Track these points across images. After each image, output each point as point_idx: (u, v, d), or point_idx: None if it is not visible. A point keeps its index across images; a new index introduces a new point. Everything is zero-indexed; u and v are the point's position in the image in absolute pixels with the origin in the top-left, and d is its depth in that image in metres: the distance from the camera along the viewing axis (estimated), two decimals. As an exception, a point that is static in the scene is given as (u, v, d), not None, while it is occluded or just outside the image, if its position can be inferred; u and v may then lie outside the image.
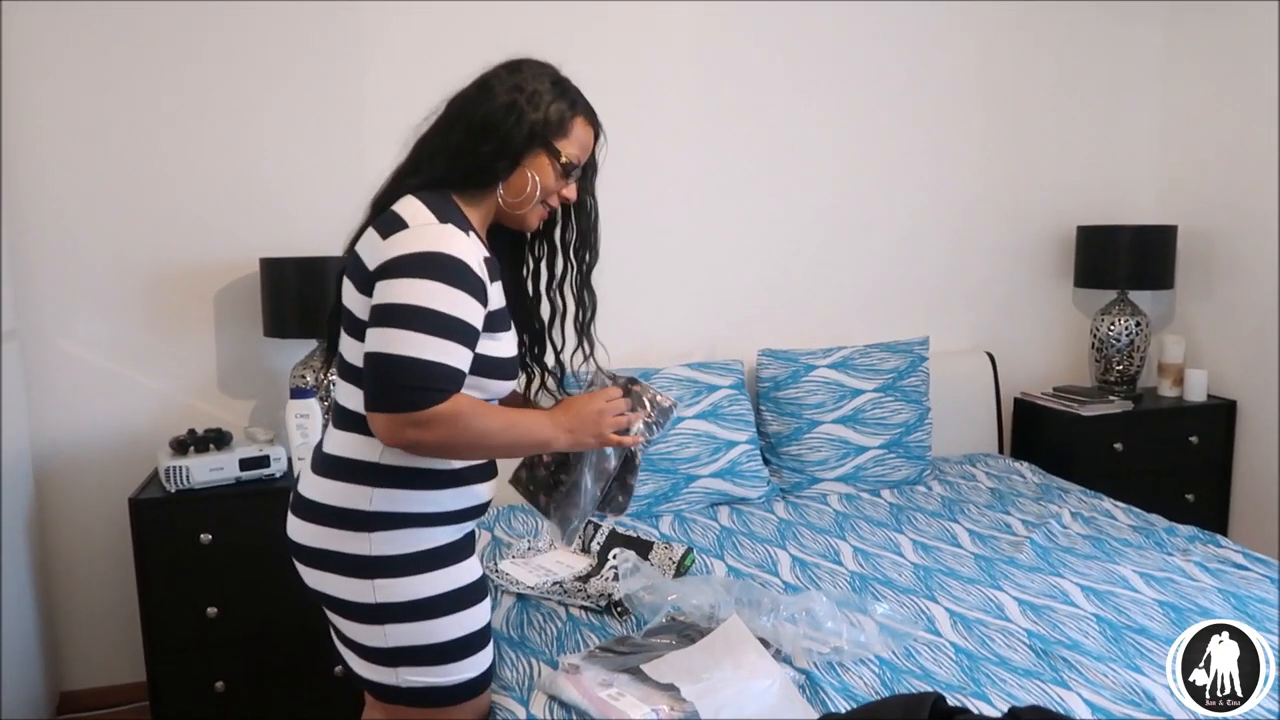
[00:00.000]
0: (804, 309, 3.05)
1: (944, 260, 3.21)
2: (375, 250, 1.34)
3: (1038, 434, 3.20)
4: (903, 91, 3.07)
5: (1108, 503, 2.60)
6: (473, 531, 1.56)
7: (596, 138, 1.54)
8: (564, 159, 1.46)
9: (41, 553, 2.50)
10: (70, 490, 2.53)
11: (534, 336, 1.68)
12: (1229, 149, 3.14)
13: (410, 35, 2.56)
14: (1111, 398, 3.12)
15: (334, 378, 1.52)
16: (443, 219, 1.35)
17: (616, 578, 2.04)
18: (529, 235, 1.62)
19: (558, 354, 1.69)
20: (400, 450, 1.33)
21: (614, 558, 2.16)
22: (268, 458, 2.40)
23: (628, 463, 1.61)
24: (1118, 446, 3.03)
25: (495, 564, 2.15)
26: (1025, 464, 2.97)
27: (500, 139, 1.42)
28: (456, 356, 1.29)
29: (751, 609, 1.76)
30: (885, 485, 2.76)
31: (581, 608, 1.98)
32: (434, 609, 1.43)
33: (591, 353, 1.63)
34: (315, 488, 1.43)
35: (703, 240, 2.94)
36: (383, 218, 1.38)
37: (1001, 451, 3.22)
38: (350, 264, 1.41)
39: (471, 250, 1.34)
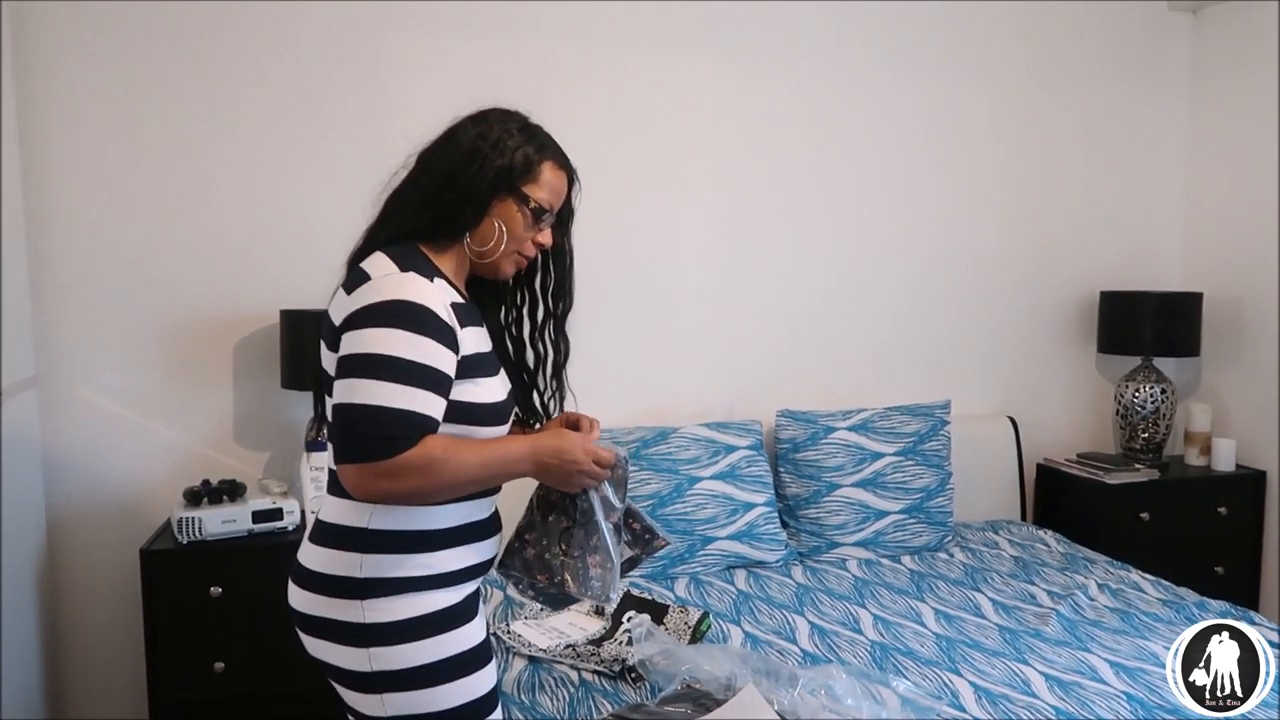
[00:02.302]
0: (823, 370, 3.02)
1: (966, 323, 3.19)
2: (341, 307, 1.34)
3: (1061, 501, 3.14)
4: (926, 153, 3.08)
5: (1135, 574, 2.53)
6: (477, 591, 1.49)
7: (571, 183, 1.51)
8: (533, 204, 1.44)
9: (51, 600, 2.48)
10: (83, 537, 2.51)
11: (522, 384, 1.65)
12: (1255, 215, 3.12)
13: (433, 89, 2.60)
14: (1137, 466, 3.07)
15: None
16: (404, 268, 1.34)
17: (630, 642, 1.99)
18: (510, 282, 1.59)
19: (542, 399, 1.65)
20: (378, 505, 1.31)
21: (628, 621, 2.11)
22: (280, 510, 2.38)
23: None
24: (1144, 516, 2.96)
25: (507, 624, 2.11)
26: (1049, 532, 2.91)
27: (463, 186, 1.41)
28: (424, 402, 1.27)
29: (769, 680, 1.71)
30: (906, 551, 2.71)
31: (595, 672, 1.93)
32: (433, 676, 1.38)
33: (563, 400, 1.61)
34: (310, 555, 1.41)
35: (721, 299, 2.93)
36: (350, 277, 1.37)
37: (1024, 518, 3.16)
38: (325, 328, 1.39)
39: (436, 295, 1.33)
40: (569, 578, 1.47)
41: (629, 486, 1.55)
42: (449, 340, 1.32)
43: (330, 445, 1.37)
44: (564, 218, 1.54)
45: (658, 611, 2.14)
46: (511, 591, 2.37)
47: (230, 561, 2.31)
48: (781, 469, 2.77)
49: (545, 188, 1.45)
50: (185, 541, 2.29)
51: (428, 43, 2.63)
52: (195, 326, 2.54)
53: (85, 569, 2.52)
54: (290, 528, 2.38)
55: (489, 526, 1.48)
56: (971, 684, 1.87)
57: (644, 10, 2.78)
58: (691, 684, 1.77)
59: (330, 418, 1.28)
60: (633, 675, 1.88)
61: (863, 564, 2.63)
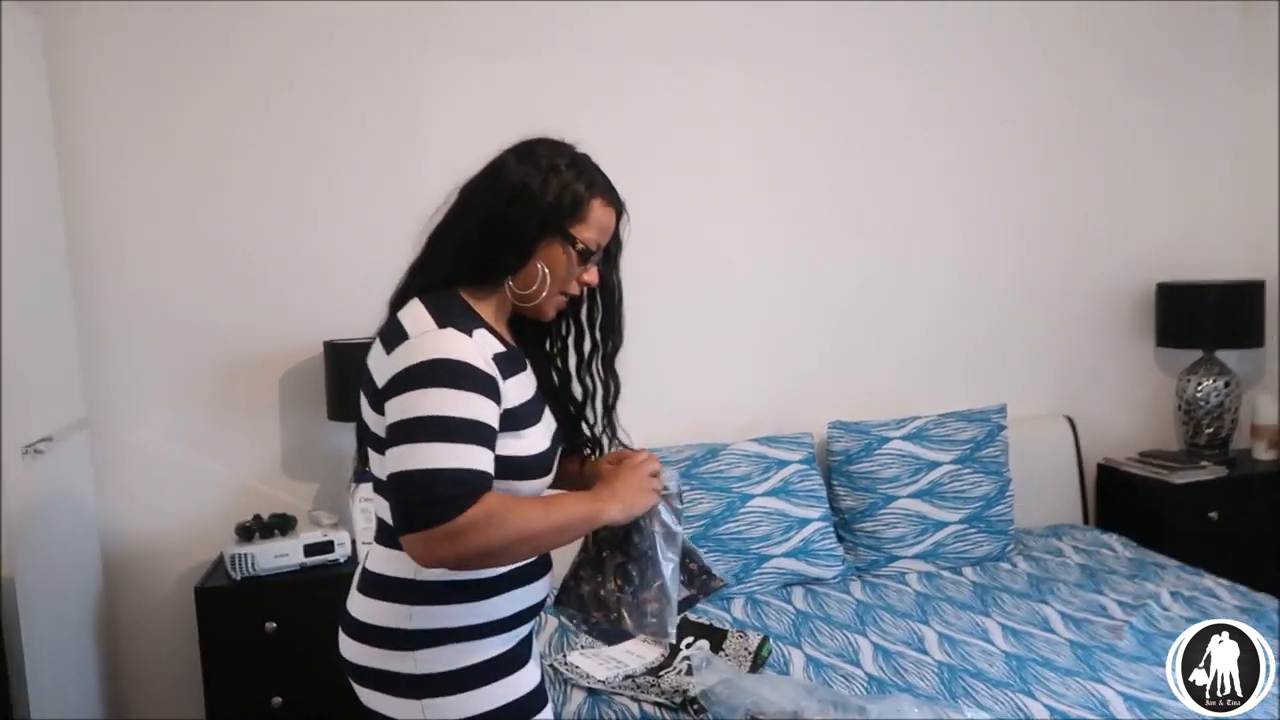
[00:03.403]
0: (871, 377, 2.95)
1: (1018, 322, 3.10)
2: (381, 366, 1.30)
3: (1125, 502, 3.04)
4: (976, 148, 3.00)
5: (1209, 579, 2.44)
6: (529, 636, 1.47)
7: (619, 216, 1.45)
8: (580, 245, 1.38)
9: (109, 639, 2.49)
10: (138, 576, 2.52)
11: (569, 416, 1.59)
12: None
13: (472, 112, 2.57)
14: (1204, 463, 2.96)
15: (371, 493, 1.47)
16: (442, 323, 1.29)
17: (689, 671, 1.95)
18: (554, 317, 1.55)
19: (592, 431, 1.60)
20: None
21: (686, 648, 2.07)
22: (332, 543, 2.37)
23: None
24: (1213, 515, 2.86)
25: (564, 655, 2.08)
26: (1114, 536, 2.82)
27: (507, 230, 1.35)
28: (476, 459, 1.22)
29: (837, 711, 1.66)
30: (967, 562, 2.63)
31: (656, 704, 1.89)
32: None
33: (614, 437, 1.56)
34: (359, 606, 1.39)
35: (764, 309, 2.88)
36: (387, 327, 1.34)
37: (1086, 521, 3.07)
38: (364, 379, 1.36)
39: (474, 351, 1.28)
40: (625, 614, 1.43)
41: (684, 517, 1.51)
42: (492, 392, 1.28)
43: (387, 502, 1.33)
44: (612, 252, 1.48)
45: (716, 637, 2.10)
46: (567, 620, 2.33)
47: (284, 596, 2.31)
48: (835, 482, 2.71)
49: (593, 226, 1.40)
50: (239, 578, 2.29)
51: (465, 66, 2.60)
52: (240, 361, 2.54)
53: (141, 608, 2.53)
54: (342, 559, 2.38)
55: (538, 568, 1.44)
56: (1047, 707, 1.80)
57: (678, 18, 2.73)
58: (756, 715, 1.72)
59: (389, 490, 1.24)
60: (695, 707, 1.84)
61: (923, 577, 2.56)
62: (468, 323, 1.32)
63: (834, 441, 2.72)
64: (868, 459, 2.66)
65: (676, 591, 1.44)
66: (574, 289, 1.43)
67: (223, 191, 2.50)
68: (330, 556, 2.37)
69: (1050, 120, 3.08)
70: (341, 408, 2.41)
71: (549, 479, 1.44)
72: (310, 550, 2.35)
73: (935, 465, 2.67)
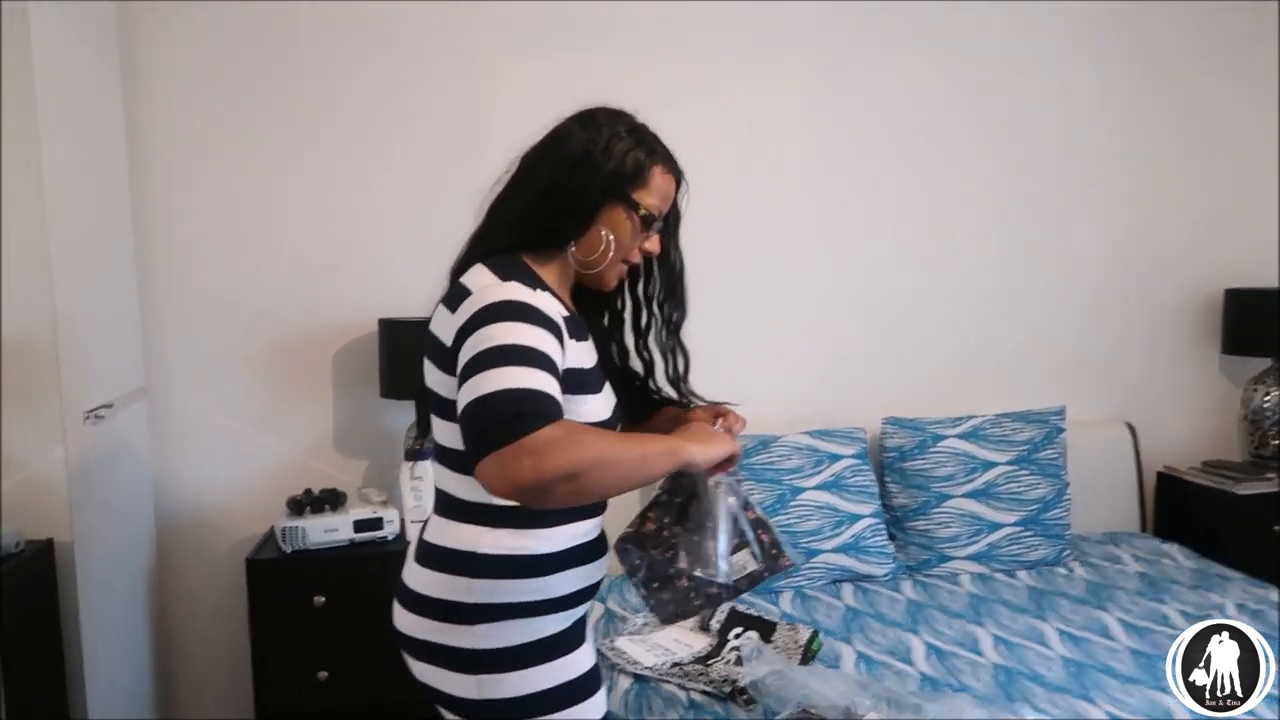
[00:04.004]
0: (928, 374, 2.90)
1: (1079, 324, 3.02)
2: (447, 325, 1.28)
3: (1185, 512, 2.96)
4: (1037, 147, 2.94)
5: (1275, 593, 2.35)
6: (584, 617, 1.45)
7: (679, 185, 1.44)
8: (643, 211, 1.37)
9: (160, 607, 2.52)
10: (190, 546, 2.55)
11: (632, 395, 1.57)
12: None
13: (531, 93, 2.56)
14: (1269, 475, 2.87)
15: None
16: (506, 277, 1.28)
17: (739, 661, 1.93)
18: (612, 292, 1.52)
19: (663, 398, 1.58)
20: (499, 525, 1.24)
21: (734, 638, 2.05)
22: (381, 520, 2.38)
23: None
24: (1278, 529, 2.77)
25: (612, 640, 2.06)
26: (1174, 545, 2.73)
27: (569, 195, 1.34)
28: (548, 384, 1.17)
29: (891, 709, 1.62)
30: (1021, 565, 2.57)
31: (704, 693, 1.86)
32: (544, 705, 1.32)
33: (689, 404, 1.53)
34: (417, 577, 1.37)
35: (819, 300, 2.84)
36: (451, 292, 1.32)
37: (1144, 530, 2.98)
38: (429, 345, 1.34)
39: (538, 300, 1.26)
40: (683, 551, 1.38)
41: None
42: (557, 334, 1.25)
43: (452, 472, 1.32)
44: (670, 222, 1.46)
45: (765, 629, 2.07)
46: (613, 604, 2.32)
47: (333, 571, 2.32)
48: (888, 479, 2.66)
49: (655, 193, 1.38)
50: (289, 550, 2.31)
51: (528, 50, 2.60)
52: (297, 336, 2.56)
53: (193, 576, 2.56)
54: (390, 537, 2.38)
55: (597, 548, 1.43)
56: (1108, 714, 1.75)
57: (740, 7, 2.70)
58: (808, 709, 1.69)
59: (462, 430, 1.18)
60: (744, 697, 1.81)
61: (976, 579, 2.51)
62: (531, 282, 1.31)
63: (887, 437, 2.67)
64: (922, 456, 2.61)
65: (729, 546, 1.37)
66: (635, 257, 1.41)
67: (283, 167, 2.52)
68: (379, 534, 2.38)
69: (1121, 120, 3.00)
70: (395, 386, 2.41)
71: None
72: (360, 526, 2.36)
73: (991, 465, 2.61)
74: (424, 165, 2.57)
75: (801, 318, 2.83)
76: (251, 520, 2.55)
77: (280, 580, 2.31)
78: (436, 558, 1.35)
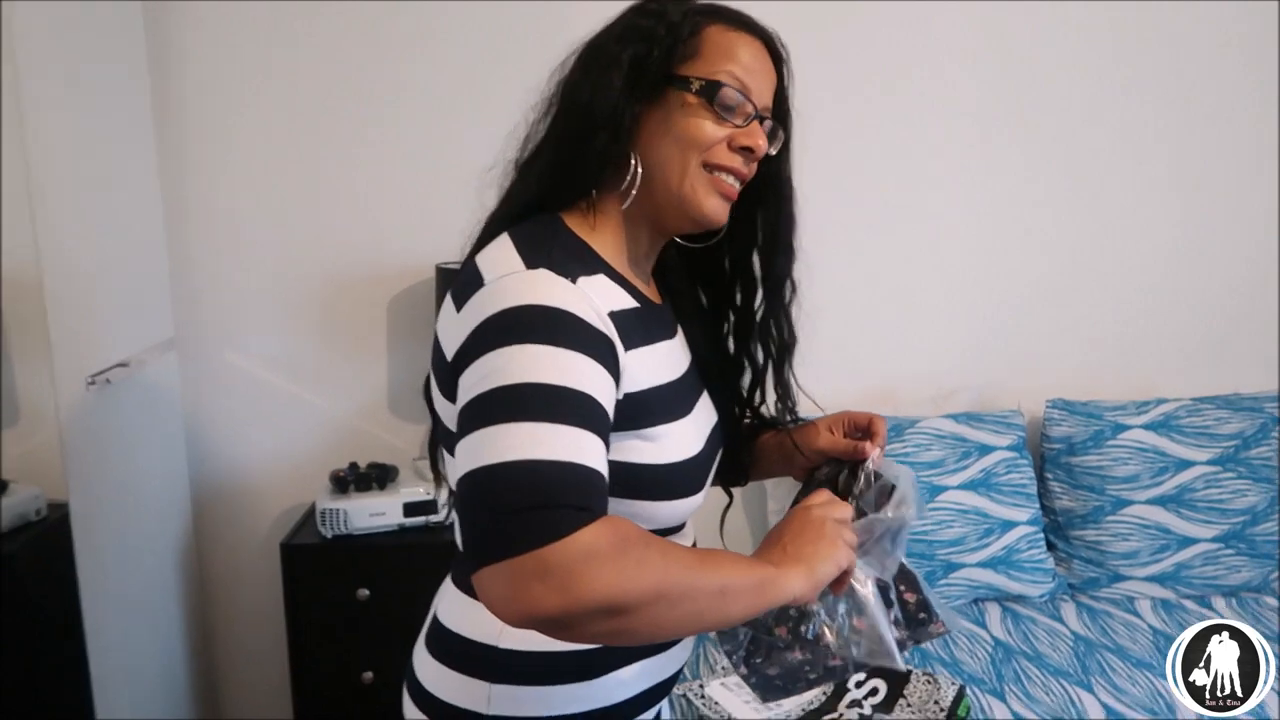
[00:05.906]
0: (1108, 346, 2.33)
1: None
2: (451, 330, 0.85)
3: None
4: (1224, 121, 2.29)
5: None
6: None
7: (776, 60, 0.97)
8: (695, 84, 0.91)
9: (198, 587, 2.26)
10: (229, 517, 2.27)
11: (742, 404, 1.13)
12: None
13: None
14: None
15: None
16: (532, 261, 0.85)
17: (861, 723, 1.52)
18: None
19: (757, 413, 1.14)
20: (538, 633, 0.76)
21: (856, 687, 1.63)
22: (434, 502, 2.05)
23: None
24: None
25: (701, 685, 1.67)
26: None
27: (587, 103, 0.92)
28: (587, 450, 0.75)
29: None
30: (1218, 591, 2.06)
31: (815, 767, 1.46)
32: None
33: (794, 410, 1.10)
34: (426, 669, 1.00)
35: (972, 250, 2.29)
36: (462, 275, 0.89)
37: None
38: (433, 353, 0.92)
39: (578, 299, 0.83)
40: (827, 630, 0.99)
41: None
42: (606, 358, 0.82)
43: (464, 551, 0.91)
44: (776, 123, 0.98)
45: (895, 679, 1.64)
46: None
47: (379, 559, 2.01)
48: (1050, 475, 2.16)
49: (712, 58, 0.92)
50: (329, 535, 2.00)
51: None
52: (346, 283, 2.20)
53: (231, 553, 2.29)
54: (447, 522, 2.04)
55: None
56: None
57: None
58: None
59: (458, 514, 0.78)
60: (870, 783, 1.40)
61: (1158, 606, 2.02)
62: (573, 264, 0.87)
63: (1052, 425, 2.16)
64: (1096, 450, 2.10)
65: (885, 614, 1.01)
66: (730, 159, 0.93)
67: (333, 96, 2.13)
68: (434, 517, 2.05)
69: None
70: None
71: (698, 501, 0.99)
72: (410, 510, 2.03)
73: (1187, 465, 2.08)
74: (484, 103, 2.09)
75: (946, 274, 2.29)
76: (294, 490, 2.24)
77: (319, 569, 2.01)
78: (448, 649, 0.98)
